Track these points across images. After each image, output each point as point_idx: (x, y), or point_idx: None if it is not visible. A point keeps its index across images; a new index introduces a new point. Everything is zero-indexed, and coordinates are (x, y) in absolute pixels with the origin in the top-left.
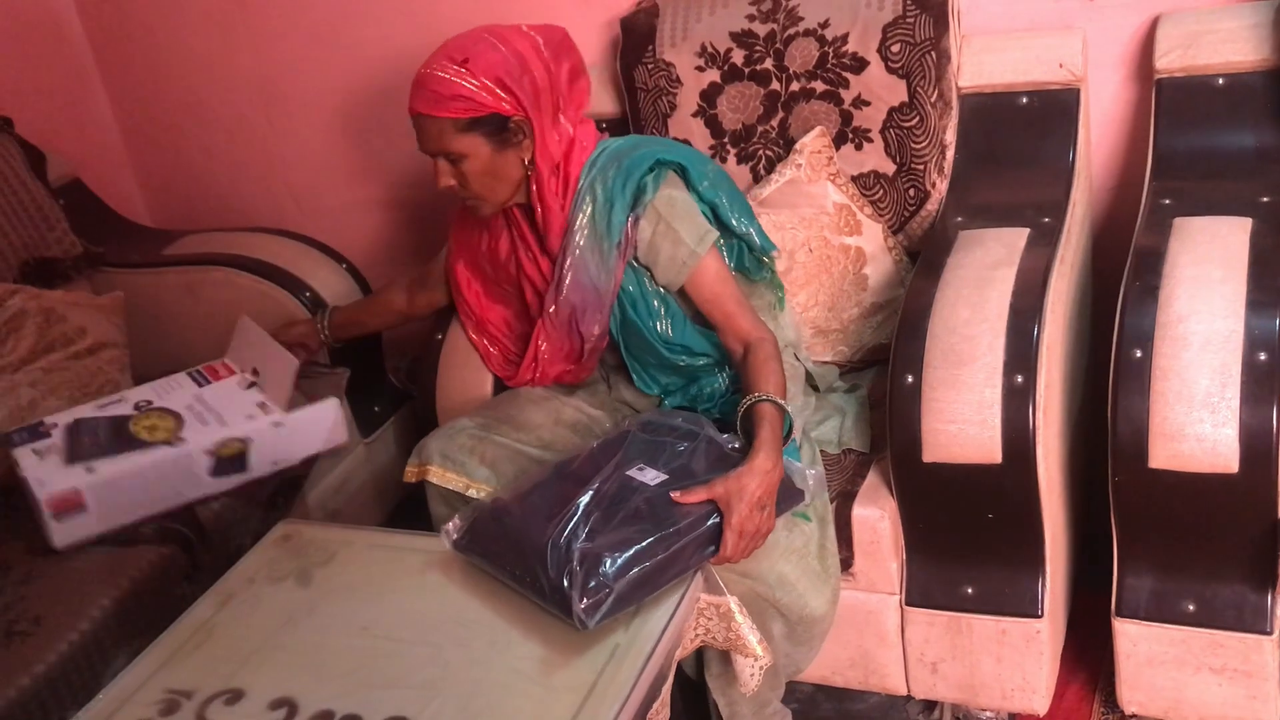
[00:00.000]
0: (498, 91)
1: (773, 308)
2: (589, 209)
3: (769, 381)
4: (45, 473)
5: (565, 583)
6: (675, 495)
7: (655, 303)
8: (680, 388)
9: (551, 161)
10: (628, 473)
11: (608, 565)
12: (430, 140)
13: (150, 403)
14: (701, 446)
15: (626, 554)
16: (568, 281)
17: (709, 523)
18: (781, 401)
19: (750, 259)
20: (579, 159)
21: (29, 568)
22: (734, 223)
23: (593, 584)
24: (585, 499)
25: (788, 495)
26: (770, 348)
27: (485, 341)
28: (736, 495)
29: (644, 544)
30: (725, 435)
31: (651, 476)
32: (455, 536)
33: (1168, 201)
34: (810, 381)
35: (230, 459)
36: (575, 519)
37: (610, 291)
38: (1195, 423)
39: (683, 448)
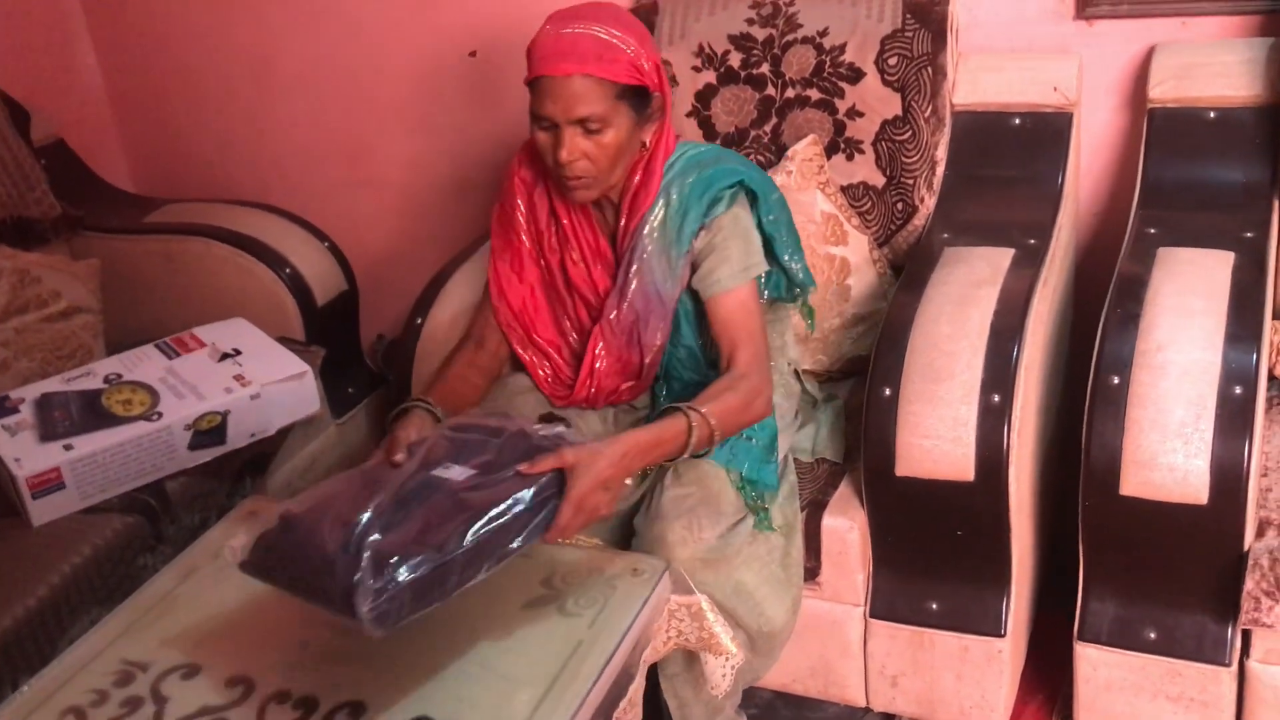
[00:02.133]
0: (651, 64)
1: (783, 336)
2: (662, 212)
3: (714, 403)
4: (20, 450)
5: (354, 586)
6: (523, 468)
7: (699, 328)
8: (684, 386)
9: (664, 147)
10: (432, 473)
11: (398, 564)
12: (578, 103)
13: (120, 376)
14: (509, 441)
15: (423, 553)
16: (633, 287)
17: (536, 500)
18: (706, 424)
19: (787, 289)
20: (665, 154)
21: None
22: (785, 258)
23: (380, 585)
24: (380, 499)
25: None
26: (745, 385)
27: (533, 357)
28: (585, 466)
29: (446, 538)
30: (540, 425)
31: (458, 473)
32: (242, 557)
33: (1153, 231)
34: (805, 397)
35: (208, 432)
36: (366, 521)
37: (674, 299)
38: (1168, 452)
39: (492, 443)
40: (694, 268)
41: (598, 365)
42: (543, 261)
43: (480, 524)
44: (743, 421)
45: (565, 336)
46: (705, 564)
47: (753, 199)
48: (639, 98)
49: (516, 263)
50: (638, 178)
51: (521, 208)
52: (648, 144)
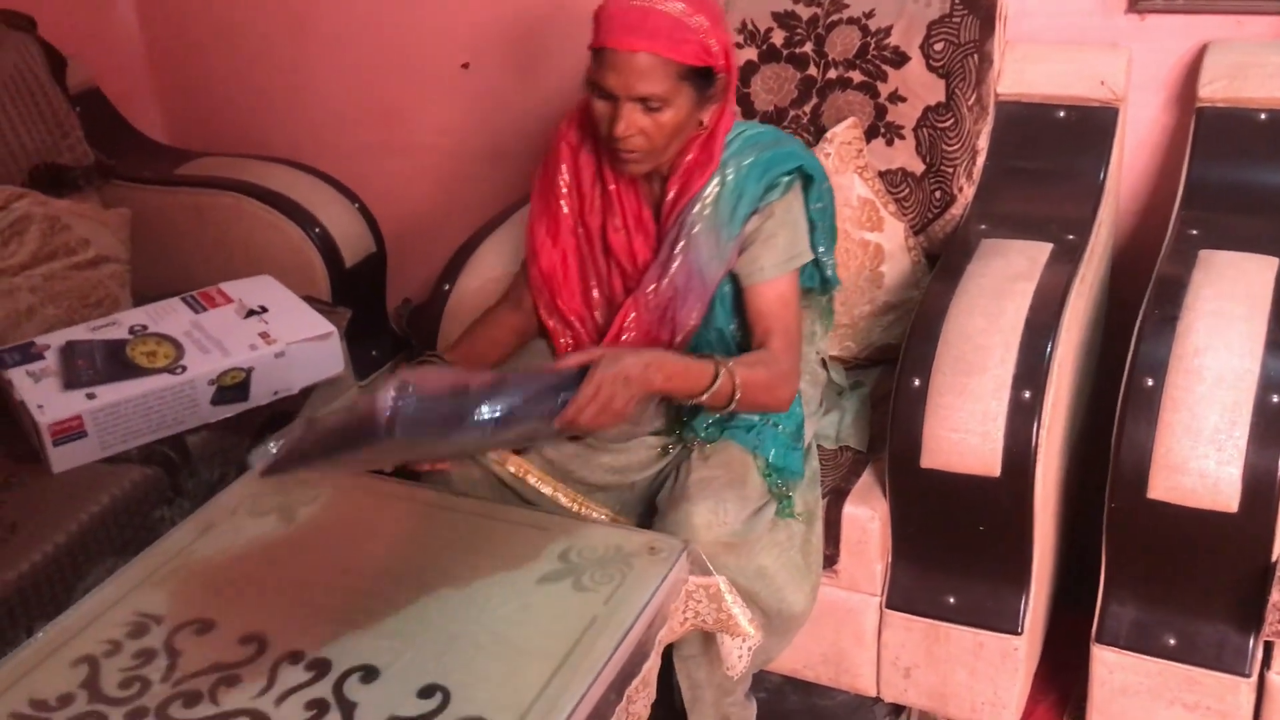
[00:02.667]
0: (721, 46)
1: (812, 324)
2: (716, 190)
3: (745, 369)
4: (44, 397)
5: (374, 400)
6: (549, 366)
7: (735, 311)
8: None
9: (725, 126)
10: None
11: (419, 389)
12: (641, 80)
13: (145, 327)
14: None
15: (446, 393)
16: (677, 263)
17: (558, 386)
18: (731, 381)
19: (821, 285)
20: (724, 132)
21: (8, 474)
22: (819, 250)
23: (398, 395)
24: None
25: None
26: (775, 368)
27: (556, 324)
28: (611, 358)
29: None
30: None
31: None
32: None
33: (1195, 232)
34: (831, 385)
35: (232, 388)
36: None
37: (715, 281)
38: (1200, 458)
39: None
40: (739, 251)
41: (624, 338)
42: (581, 228)
43: (502, 393)
44: (763, 402)
45: (591, 310)
46: (728, 547)
47: (806, 185)
48: (703, 78)
49: (553, 227)
50: (691, 155)
51: (565, 172)
52: (706, 123)
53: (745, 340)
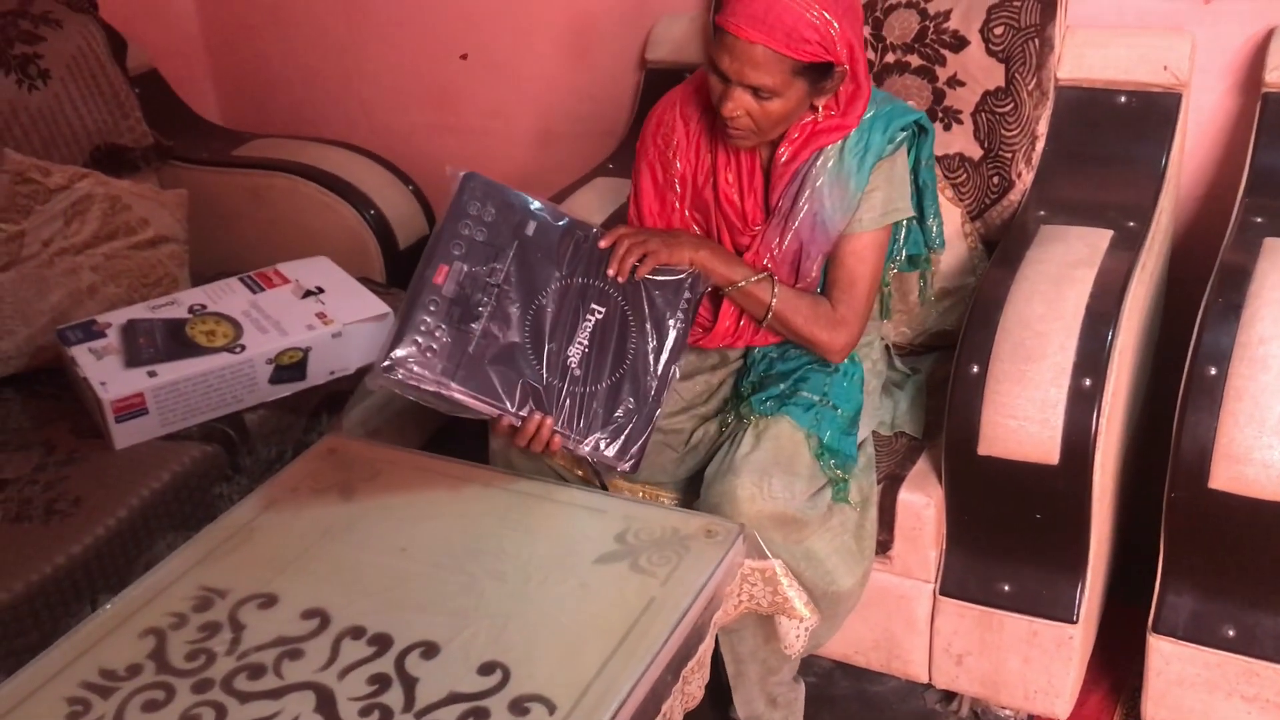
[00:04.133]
0: (843, 44)
1: (879, 317)
2: (839, 145)
3: (790, 290)
4: (106, 374)
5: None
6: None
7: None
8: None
9: (855, 113)
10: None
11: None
12: (753, 70)
13: (204, 306)
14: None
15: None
16: (803, 214)
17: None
18: (770, 285)
19: (924, 251)
20: (861, 107)
21: (72, 449)
22: (928, 213)
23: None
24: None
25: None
26: (825, 308)
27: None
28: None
29: None
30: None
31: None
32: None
33: (1260, 220)
34: (895, 369)
35: (289, 367)
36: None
37: (839, 231)
38: (1264, 448)
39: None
40: None
41: None
42: (692, 190)
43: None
44: (799, 329)
45: None
46: (775, 523)
47: (917, 142)
48: (820, 72)
49: (658, 201)
50: (801, 132)
51: (678, 136)
52: (819, 109)
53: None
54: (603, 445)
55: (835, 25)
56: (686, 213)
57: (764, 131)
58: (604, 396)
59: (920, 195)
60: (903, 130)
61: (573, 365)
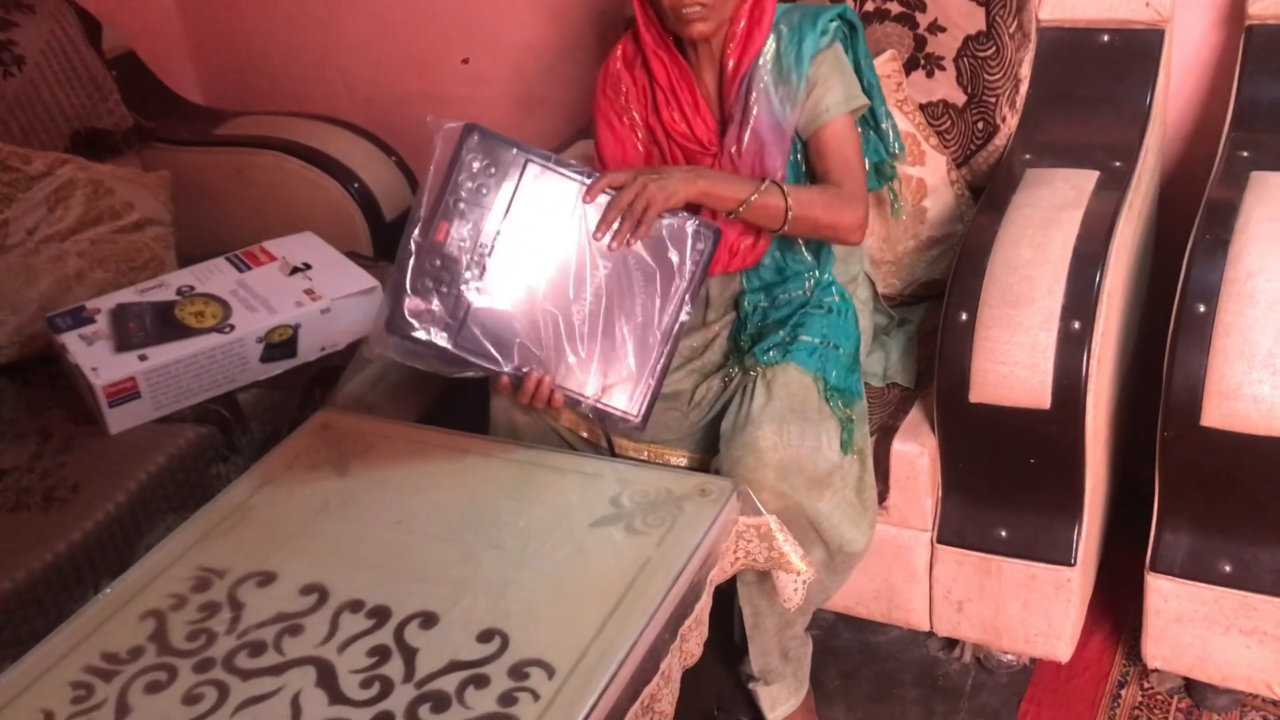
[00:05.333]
0: None
1: (860, 261)
2: (774, 45)
3: (797, 188)
4: (97, 360)
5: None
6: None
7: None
8: (765, 285)
9: None
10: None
11: None
12: None
13: (192, 288)
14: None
15: None
16: (754, 115)
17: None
18: (780, 193)
19: (886, 158)
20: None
21: (68, 436)
22: (881, 114)
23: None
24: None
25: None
26: (833, 191)
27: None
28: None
29: None
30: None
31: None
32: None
33: (1246, 154)
34: (884, 316)
35: (280, 345)
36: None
37: (792, 127)
38: (1254, 383)
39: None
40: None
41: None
42: (647, 133)
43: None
44: (822, 220)
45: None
46: (797, 471)
47: (851, 41)
48: None
49: (619, 148)
50: (743, 24)
51: (625, 85)
52: None
53: None
54: (610, 398)
55: None
56: (641, 149)
57: (716, 5)
58: (609, 352)
59: (869, 96)
60: (832, 21)
61: (576, 323)
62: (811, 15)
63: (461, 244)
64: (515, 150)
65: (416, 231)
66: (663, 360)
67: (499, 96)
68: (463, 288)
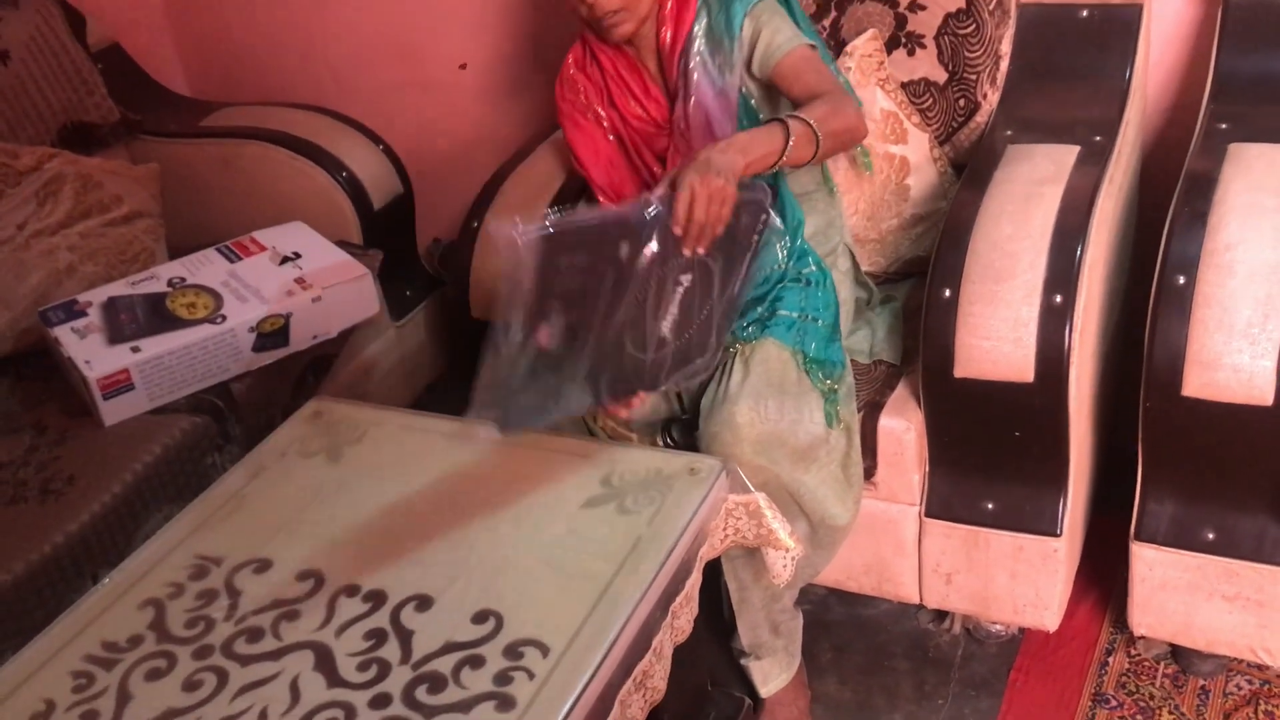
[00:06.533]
0: None
1: (831, 185)
2: (705, 19)
3: (807, 110)
4: (90, 353)
5: None
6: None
7: None
8: None
9: None
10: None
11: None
12: None
13: (184, 279)
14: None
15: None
16: (694, 80)
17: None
18: (804, 123)
19: None
20: None
21: (63, 429)
22: (832, 66)
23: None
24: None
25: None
26: (829, 98)
27: None
28: (688, 164)
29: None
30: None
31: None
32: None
33: (1224, 126)
34: (864, 289)
35: (272, 334)
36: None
37: (735, 89)
38: (1233, 352)
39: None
40: (749, 57)
41: None
42: (606, 122)
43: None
44: (841, 128)
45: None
46: (777, 445)
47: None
48: None
49: (589, 142)
50: (670, 4)
51: (583, 86)
52: None
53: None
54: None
55: None
56: (611, 139)
57: (631, 4)
58: (699, 338)
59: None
60: None
61: (667, 335)
62: None
63: (558, 334)
64: (573, 227)
65: (514, 340)
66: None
67: (485, 84)
68: (560, 368)
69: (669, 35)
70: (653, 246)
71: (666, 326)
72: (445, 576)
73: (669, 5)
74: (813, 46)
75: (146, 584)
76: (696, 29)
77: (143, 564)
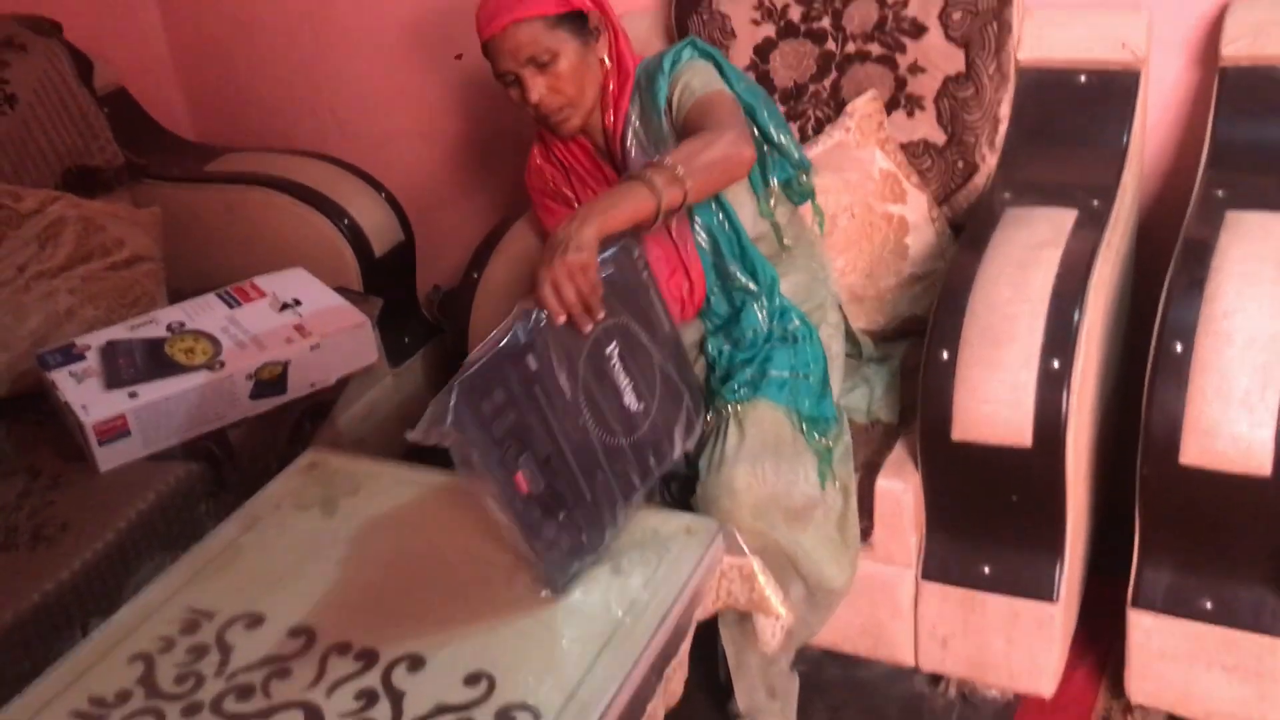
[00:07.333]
0: None
1: (825, 268)
2: (638, 102)
3: (679, 150)
4: (87, 398)
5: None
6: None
7: (713, 207)
8: (723, 324)
9: (623, 58)
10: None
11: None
12: (520, 49)
13: (183, 324)
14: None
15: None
16: (632, 160)
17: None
18: (664, 167)
19: (792, 173)
20: (631, 59)
21: (57, 473)
22: (770, 129)
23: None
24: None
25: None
26: (706, 134)
27: None
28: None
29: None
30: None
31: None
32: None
33: (1221, 193)
34: (853, 344)
35: (270, 382)
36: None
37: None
38: (1232, 421)
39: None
40: (673, 112)
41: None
42: (576, 202)
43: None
44: (710, 158)
45: None
46: (775, 507)
47: (719, 69)
48: (575, 21)
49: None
50: (612, 88)
51: (550, 176)
52: (608, 60)
53: (734, 227)
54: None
55: None
56: None
57: (574, 99)
58: (668, 389)
59: (751, 113)
60: (683, 51)
61: (636, 406)
62: (659, 58)
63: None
64: (474, 377)
65: (509, 504)
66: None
67: (488, 134)
68: (567, 496)
69: (611, 121)
70: (554, 346)
71: (630, 399)
72: (438, 636)
73: (610, 91)
74: (723, 92)
75: (137, 637)
76: (631, 111)
77: (134, 616)
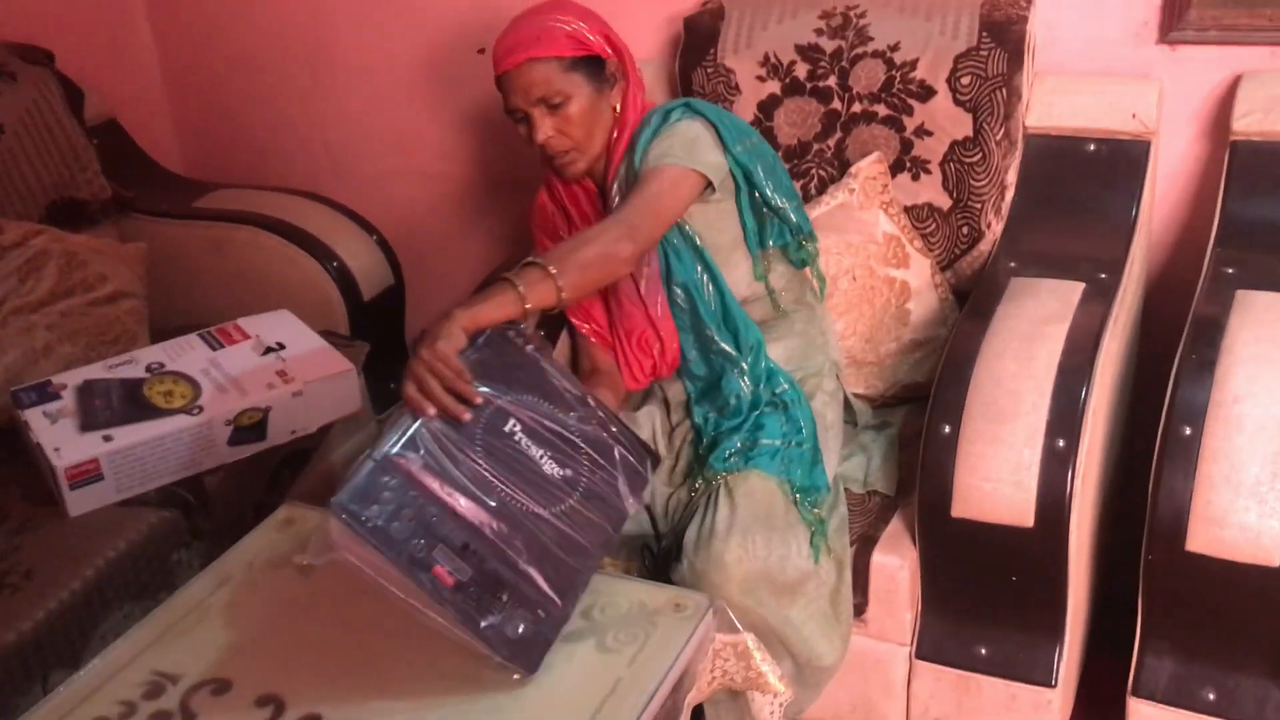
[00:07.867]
0: (596, 35)
1: (824, 334)
2: (630, 155)
3: (560, 247)
4: (60, 439)
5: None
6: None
7: (698, 268)
8: (705, 390)
9: (635, 108)
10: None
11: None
12: (533, 87)
13: (163, 365)
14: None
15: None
16: (615, 204)
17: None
18: (532, 265)
19: (791, 239)
20: (637, 115)
21: (25, 517)
22: (768, 192)
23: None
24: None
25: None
26: (606, 227)
27: (616, 347)
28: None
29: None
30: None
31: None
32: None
33: (1231, 271)
34: (848, 411)
35: (249, 428)
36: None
37: None
38: (1240, 510)
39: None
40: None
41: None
42: None
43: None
44: (585, 257)
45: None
46: (764, 582)
47: (716, 132)
48: (592, 66)
49: None
50: (616, 134)
51: (559, 220)
52: (618, 109)
53: (720, 297)
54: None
55: (577, 24)
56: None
57: (580, 143)
58: (596, 461)
59: (748, 177)
60: (671, 111)
61: (559, 473)
62: (654, 113)
63: (452, 563)
64: (356, 487)
65: (441, 605)
66: (620, 425)
67: (482, 177)
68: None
69: (614, 165)
70: (440, 439)
71: (551, 468)
72: (411, 709)
73: (615, 133)
74: (669, 170)
75: (97, 701)
76: (624, 163)
77: (96, 677)
